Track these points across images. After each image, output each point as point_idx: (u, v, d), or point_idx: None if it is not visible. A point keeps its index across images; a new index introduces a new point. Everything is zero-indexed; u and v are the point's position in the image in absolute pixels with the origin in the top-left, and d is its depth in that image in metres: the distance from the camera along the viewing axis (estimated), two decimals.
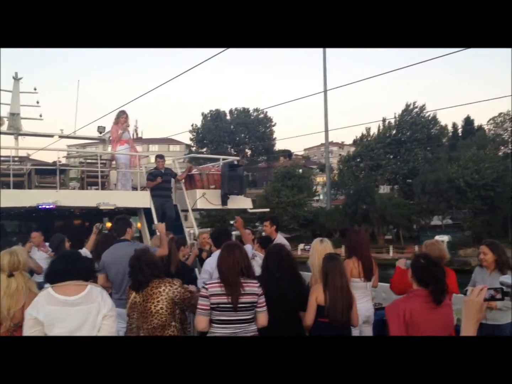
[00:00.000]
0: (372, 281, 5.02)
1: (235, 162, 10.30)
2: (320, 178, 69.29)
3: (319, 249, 4.59)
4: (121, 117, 9.15)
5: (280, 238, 6.71)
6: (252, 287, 3.72)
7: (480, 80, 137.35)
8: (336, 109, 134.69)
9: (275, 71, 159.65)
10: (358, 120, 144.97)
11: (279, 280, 4.13)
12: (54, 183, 8.33)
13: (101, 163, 9.07)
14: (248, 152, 73.21)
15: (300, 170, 56.44)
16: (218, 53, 5.57)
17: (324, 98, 55.32)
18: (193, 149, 73.59)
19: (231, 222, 7.99)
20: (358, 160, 54.91)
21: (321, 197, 68.37)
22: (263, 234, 7.28)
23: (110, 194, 8.82)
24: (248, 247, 5.42)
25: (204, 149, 72.40)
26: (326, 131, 51.05)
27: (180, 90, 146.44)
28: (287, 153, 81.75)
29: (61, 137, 9.48)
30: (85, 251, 5.96)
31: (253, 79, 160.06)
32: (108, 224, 8.85)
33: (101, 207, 8.46)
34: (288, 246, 5.34)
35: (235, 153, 70.90)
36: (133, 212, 9.06)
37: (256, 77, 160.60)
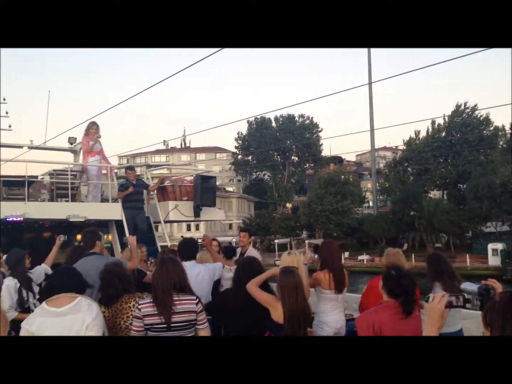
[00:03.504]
0: (344, 293, 4.95)
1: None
2: (371, 184, 67.65)
3: (287, 261, 4.54)
4: (92, 128, 9.09)
5: (251, 251, 6.72)
6: (188, 304, 3.57)
7: None
8: (384, 111, 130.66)
9: (320, 72, 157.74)
10: (406, 122, 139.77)
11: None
12: (22, 194, 8.37)
13: (71, 175, 9.04)
14: (295, 159, 72.69)
15: (343, 177, 55.27)
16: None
17: (370, 103, 54.14)
18: (239, 157, 74.10)
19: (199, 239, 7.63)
20: (406, 164, 52.96)
21: (371, 203, 66.62)
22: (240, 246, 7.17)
23: (80, 206, 8.77)
24: (219, 265, 5.38)
25: (250, 157, 72.72)
26: (372, 130, 49.71)
27: (227, 99, 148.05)
28: (337, 160, 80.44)
29: (30, 148, 9.59)
30: (45, 267, 5.81)
31: (298, 83, 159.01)
32: (79, 237, 8.81)
33: (71, 219, 8.41)
34: (259, 258, 5.30)
35: (281, 160, 70.67)
36: (104, 224, 8.96)
37: (298, 77, 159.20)
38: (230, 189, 77.83)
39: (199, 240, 6.32)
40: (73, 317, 3.23)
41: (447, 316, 2.10)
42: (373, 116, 52.19)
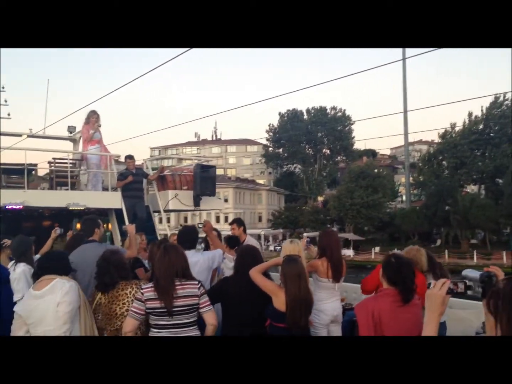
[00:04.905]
0: (341, 282, 5.01)
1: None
2: (405, 178, 66.03)
3: (289, 249, 4.53)
4: (92, 117, 9.05)
5: (250, 240, 6.65)
6: (191, 288, 3.61)
7: None
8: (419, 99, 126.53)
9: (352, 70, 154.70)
10: (443, 116, 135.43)
11: (251, 281, 4.04)
12: (22, 183, 8.39)
13: (71, 163, 9.02)
14: (327, 151, 71.83)
15: (376, 170, 54.15)
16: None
17: (404, 97, 52.81)
18: (270, 149, 73.87)
19: (200, 225, 7.59)
20: (440, 158, 51.33)
21: (404, 198, 65.17)
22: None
23: (80, 195, 8.73)
24: (219, 252, 5.29)
25: (281, 149, 72.37)
26: (406, 121, 48.46)
27: (258, 91, 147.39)
28: (370, 153, 78.96)
29: (30, 136, 9.62)
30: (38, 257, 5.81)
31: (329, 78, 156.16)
32: (78, 226, 8.78)
33: (71, 208, 8.38)
34: (258, 247, 5.35)
35: (312, 153, 69.99)
36: (104, 213, 8.90)
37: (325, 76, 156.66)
38: (261, 181, 77.80)
39: (200, 226, 6.13)
40: (49, 298, 3.46)
41: (447, 302, 2.08)
42: (407, 103, 50.85)
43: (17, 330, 3.54)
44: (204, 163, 10.04)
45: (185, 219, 56.67)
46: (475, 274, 2.46)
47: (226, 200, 64.62)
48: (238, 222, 6.69)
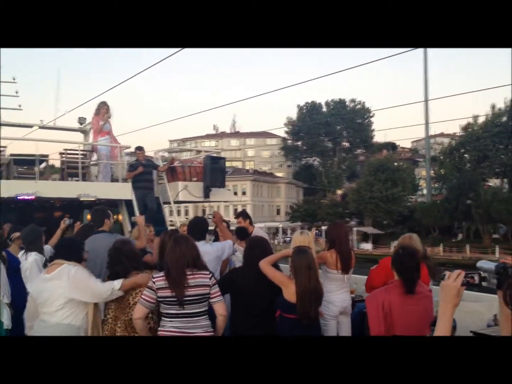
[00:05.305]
0: (350, 274, 5.04)
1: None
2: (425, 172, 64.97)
3: (299, 240, 4.56)
4: (102, 108, 9.07)
5: (258, 231, 6.75)
6: (202, 278, 3.63)
7: None
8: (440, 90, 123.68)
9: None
10: (464, 107, 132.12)
11: (260, 272, 4.09)
12: (33, 173, 8.46)
13: (82, 154, 9.06)
14: (346, 144, 71.19)
15: (396, 163, 53.45)
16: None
17: (425, 86, 51.85)
18: (289, 142, 73.53)
19: (210, 216, 7.60)
20: (462, 151, 50.34)
21: (425, 191, 64.20)
22: None
23: (91, 186, 8.77)
24: (228, 243, 5.29)
25: (300, 142, 71.99)
26: (427, 110, 47.65)
27: (276, 82, 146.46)
28: (390, 146, 77.81)
29: (41, 127, 9.68)
30: (48, 248, 5.83)
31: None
32: (89, 217, 8.82)
33: (82, 199, 8.43)
34: (267, 238, 5.44)
35: (331, 146, 69.41)
36: (114, 204, 8.93)
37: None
38: (279, 174, 77.61)
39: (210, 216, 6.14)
40: (56, 283, 3.71)
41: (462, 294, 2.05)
42: (428, 92, 49.99)
43: (30, 309, 3.90)
44: (213, 155, 9.99)
45: (203, 211, 56.91)
46: (489, 265, 2.37)
47: (244, 193, 64.74)
48: (244, 215, 6.73)
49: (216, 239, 6.29)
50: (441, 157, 53.84)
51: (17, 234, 5.78)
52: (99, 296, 3.84)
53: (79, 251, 4.07)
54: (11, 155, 8.51)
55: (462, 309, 4.73)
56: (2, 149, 8.63)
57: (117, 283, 3.83)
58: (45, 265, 5.11)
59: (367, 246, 46.45)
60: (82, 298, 3.84)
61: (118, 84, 6.39)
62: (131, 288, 3.92)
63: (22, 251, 5.32)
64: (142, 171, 8.80)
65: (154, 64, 5.59)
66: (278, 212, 67.66)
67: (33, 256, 5.11)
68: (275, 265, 4.26)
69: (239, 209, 56.15)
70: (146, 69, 5.99)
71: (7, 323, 4.81)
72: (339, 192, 69.42)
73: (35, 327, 3.91)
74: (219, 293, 3.72)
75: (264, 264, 4.07)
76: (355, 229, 51.37)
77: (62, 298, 3.73)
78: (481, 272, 2.11)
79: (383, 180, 50.05)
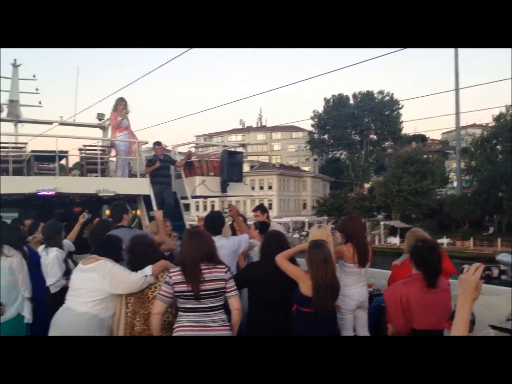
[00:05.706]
0: (367, 267, 5.06)
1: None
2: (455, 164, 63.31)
3: (317, 234, 4.51)
4: (120, 104, 9.11)
5: (275, 225, 6.74)
6: (218, 272, 3.66)
7: None
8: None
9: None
10: (498, 96, 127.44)
11: (277, 266, 4.12)
12: (53, 169, 8.56)
13: (100, 150, 9.12)
14: (373, 137, 70.04)
15: (425, 156, 52.20)
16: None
17: (456, 74, 50.52)
18: (315, 135, 72.85)
19: (226, 210, 7.63)
20: (494, 142, 48.79)
21: (455, 184, 62.66)
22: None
23: (110, 181, 8.82)
24: (245, 237, 5.30)
25: (326, 136, 71.23)
26: (457, 100, 46.38)
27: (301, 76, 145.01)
28: (420, 138, 76.13)
29: (60, 124, 9.78)
30: (67, 242, 5.87)
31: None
32: (108, 212, 8.88)
33: (101, 194, 8.49)
34: (284, 232, 5.39)
35: (358, 139, 68.41)
36: (132, 199, 8.97)
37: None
38: (306, 168, 77.12)
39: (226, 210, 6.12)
40: (90, 275, 3.92)
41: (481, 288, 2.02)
42: (459, 81, 48.69)
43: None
44: (231, 149, 9.92)
45: (229, 206, 57.05)
46: (508, 258, 2.20)
47: (270, 187, 64.59)
48: (262, 209, 6.70)
49: (233, 233, 6.26)
50: (472, 149, 52.32)
51: (37, 237, 5.87)
52: (134, 286, 3.90)
53: (119, 250, 4.17)
54: (32, 151, 8.62)
55: (480, 303, 4.63)
56: (22, 145, 8.76)
57: (148, 269, 3.90)
58: (65, 260, 5.24)
59: (395, 240, 45.61)
60: (118, 291, 3.93)
61: (140, 78, 6.35)
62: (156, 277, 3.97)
63: (43, 246, 5.37)
64: (160, 166, 8.80)
65: (173, 58, 5.47)
66: (304, 206, 67.33)
67: (54, 251, 5.16)
68: (292, 259, 4.27)
69: (265, 203, 56.15)
70: (164, 64, 5.93)
71: (28, 317, 4.87)
72: (366, 185, 68.43)
73: (59, 314, 4.00)
74: (235, 287, 3.75)
75: (281, 259, 4.09)
76: (382, 223, 50.53)
77: (97, 291, 3.90)
78: (501, 265, 2.00)
79: (412, 173, 48.93)
